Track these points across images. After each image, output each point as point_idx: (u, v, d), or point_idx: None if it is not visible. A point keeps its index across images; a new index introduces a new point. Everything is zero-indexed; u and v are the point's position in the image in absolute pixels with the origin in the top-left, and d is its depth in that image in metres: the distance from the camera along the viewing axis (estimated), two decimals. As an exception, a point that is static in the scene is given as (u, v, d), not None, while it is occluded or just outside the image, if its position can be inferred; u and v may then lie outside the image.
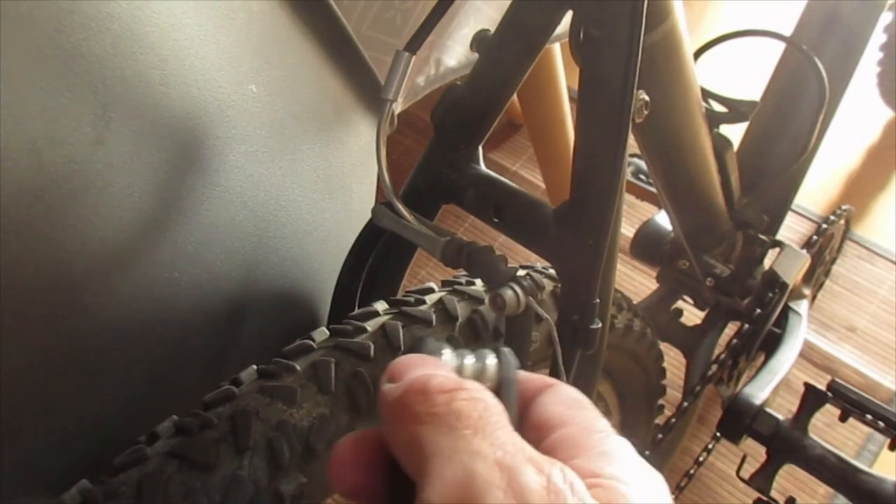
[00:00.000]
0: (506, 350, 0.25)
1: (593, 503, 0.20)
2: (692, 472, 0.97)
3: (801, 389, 0.76)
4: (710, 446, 0.99)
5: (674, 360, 1.04)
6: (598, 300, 0.46)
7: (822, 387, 0.73)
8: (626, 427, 0.86)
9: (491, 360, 0.24)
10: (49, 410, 0.40)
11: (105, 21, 0.28)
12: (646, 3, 0.42)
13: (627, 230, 1.46)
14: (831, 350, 1.32)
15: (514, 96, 0.54)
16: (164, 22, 0.33)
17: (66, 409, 0.41)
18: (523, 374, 0.25)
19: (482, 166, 0.53)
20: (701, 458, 0.97)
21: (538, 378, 0.26)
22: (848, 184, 1.57)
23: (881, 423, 0.64)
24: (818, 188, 1.54)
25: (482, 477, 0.20)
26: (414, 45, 0.45)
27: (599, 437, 0.23)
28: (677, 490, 1.00)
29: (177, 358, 0.44)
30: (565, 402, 0.25)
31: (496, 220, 0.51)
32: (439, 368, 0.23)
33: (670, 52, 0.55)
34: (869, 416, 0.64)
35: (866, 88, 1.54)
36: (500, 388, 0.24)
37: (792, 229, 1.46)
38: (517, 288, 0.42)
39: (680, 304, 1.01)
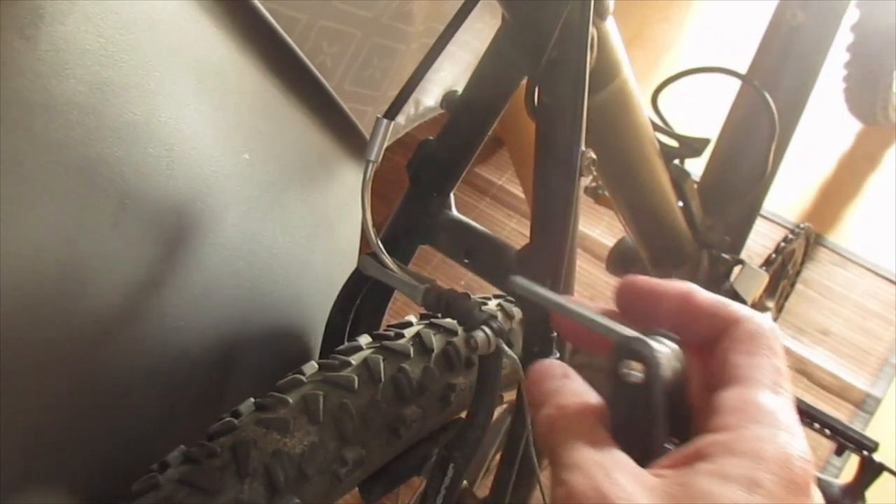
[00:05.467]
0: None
1: None
2: None
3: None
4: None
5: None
6: (555, 333, 0.52)
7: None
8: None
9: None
10: (73, 447, 0.46)
11: (124, 129, 0.34)
12: (587, 74, 0.48)
13: (608, 240, 1.52)
14: (805, 353, 1.38)
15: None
16: (171, 117, 0.39)
17: (87, 443, 0.47)
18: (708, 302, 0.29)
19: (454, 211, 0.59)
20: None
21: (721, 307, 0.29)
22: (821, 192, 1.63)
23: (827, 431, 0.70)
24: (793, 196, 1.60)
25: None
26: (393, 111, 0.51)
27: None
28: None
29: (184, 395, 0.50)
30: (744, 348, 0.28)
31: (466, 261, 0.58)
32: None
33: (621, 106, 0.61)
34: (817, 425, 0.70)
35: (837, 101, 1.60)
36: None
37: (768, 237, 1.52)
38: (489, 331, 0.48)
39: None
